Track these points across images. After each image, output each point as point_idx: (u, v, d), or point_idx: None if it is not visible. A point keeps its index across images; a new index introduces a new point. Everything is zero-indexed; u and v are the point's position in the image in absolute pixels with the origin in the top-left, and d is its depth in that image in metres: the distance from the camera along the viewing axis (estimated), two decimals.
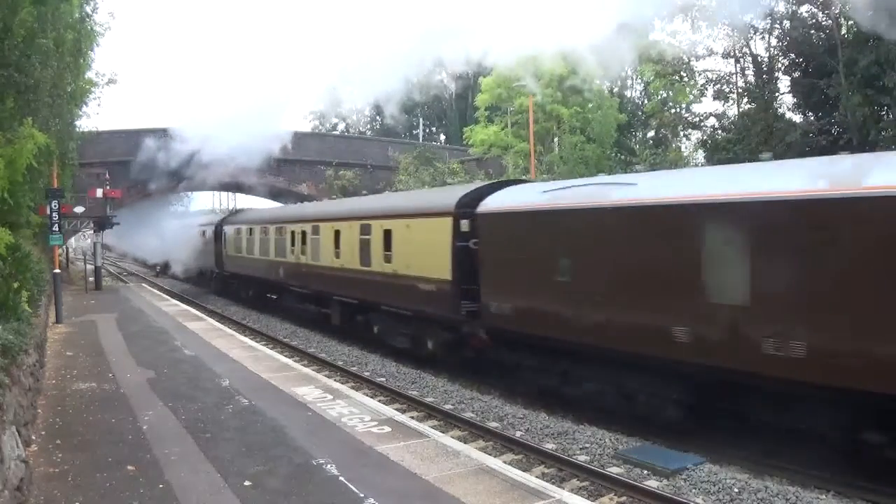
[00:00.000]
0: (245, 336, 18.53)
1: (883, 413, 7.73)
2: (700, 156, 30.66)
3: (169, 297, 29.48)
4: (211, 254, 34.69)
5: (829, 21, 23.13)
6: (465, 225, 14.10)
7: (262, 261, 26.84)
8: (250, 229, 28.63)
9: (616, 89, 48.12)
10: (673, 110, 36.11)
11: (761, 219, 8.74)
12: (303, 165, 41.14)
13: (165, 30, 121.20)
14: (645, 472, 9.24)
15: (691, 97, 35.34)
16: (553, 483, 8.23)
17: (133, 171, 34.47)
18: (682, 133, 32.64)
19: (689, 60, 27.55)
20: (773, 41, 25.68)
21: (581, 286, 11.26)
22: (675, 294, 9.76)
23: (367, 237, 17.82)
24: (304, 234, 22.36)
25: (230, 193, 56.24)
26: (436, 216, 15.03)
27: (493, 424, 11.49)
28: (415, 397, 13.35)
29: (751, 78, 26.76)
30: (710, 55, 27.13)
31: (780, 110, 25.40)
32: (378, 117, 69.50)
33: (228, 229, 32.13)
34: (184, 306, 25.11)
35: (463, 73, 58.88)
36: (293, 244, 23.23)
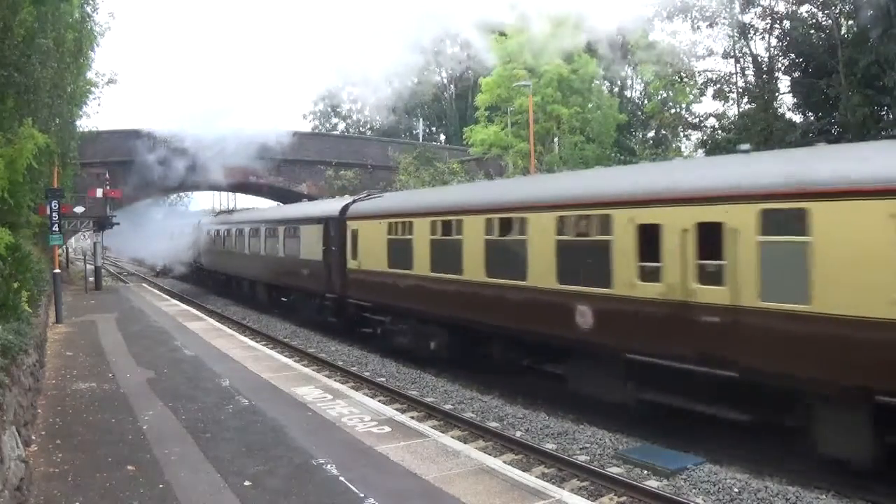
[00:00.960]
0: (245, 336, 18.53)
1: None
2: (700, 155, 30.68)
3: (169, 297, 29.48)
4: (313, 269, 21.22)
5: (829, 21, 23.14)
6: None
7: (491, 288, 13.26)
8: (449, 224, 14.77)
9: (616, 89, 48.19)
10: (673, 110, 36.10)
11: None
12: (303, 165, 41.18)
13: (164, 29, 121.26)
14: (645, 472, 9.25)
15: (691, 97, 35.33)
16: (553, 483, 8.23)
17: (133, 171, 34.46)
18: (681, 133, 32.64)
19: (689, 61, 27.57)
20: (773, 41, 25.71)
21: None
22: None
23: None
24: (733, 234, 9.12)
25: (229, 193, 56.41)
26: None
27: (493, 424, 11.49)
28: (415, 397, 13.35)
29: (751, 78, 26.77)
30: (710, 55, 27.16)
31: (780, 110, 25.42)
32: (378, 117, 69.64)
33: (365, 227, 18.26)
34: (184, 306, 25.11)
35: (463, 73, 59.07)
36: (685, 255, 9.62)
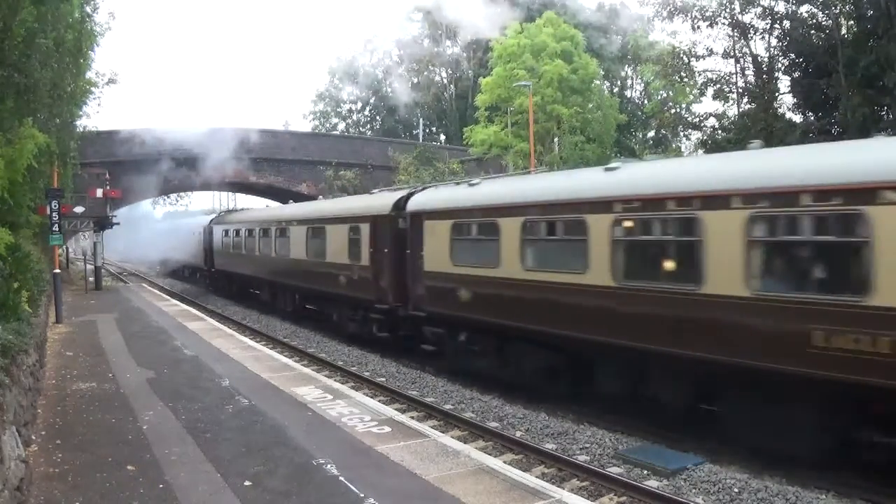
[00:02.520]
0: (245, 336, 18.53)
1: None
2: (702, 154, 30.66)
3: (169, 297, 29.48)
4: None
5: (829, 21, 23.15)
6: None
7: None
8: None
9: (616, 89, 48.24)
10: (673, 110, 36.12)
11: None
12: (303, 165, 41.21)
13: (163, 28, 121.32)
14: (645, 472, 9.24)
15: (691, 97, 35.36)
16: (553, 483, 8.22)
17: (132, 171, 34.47)
18: (681, 133, 32.66)
19: (689, 61, 27.56)
20: (773, 41, 25.72)
21: None
22: None
23: None
24: None
25: (229, 193, 56.48)
26: None
27: (493, 424, 11.48)
28: (415, 397, 13.34)
29: (751, 78, 26.77)
30: (710, 55, 27.16)
31: (780, 110, 25.43)
32: (378, 117, 69.68)
33: None
34: (184, 306, 25.11)
35: (463, 73, 59.15)
36: None
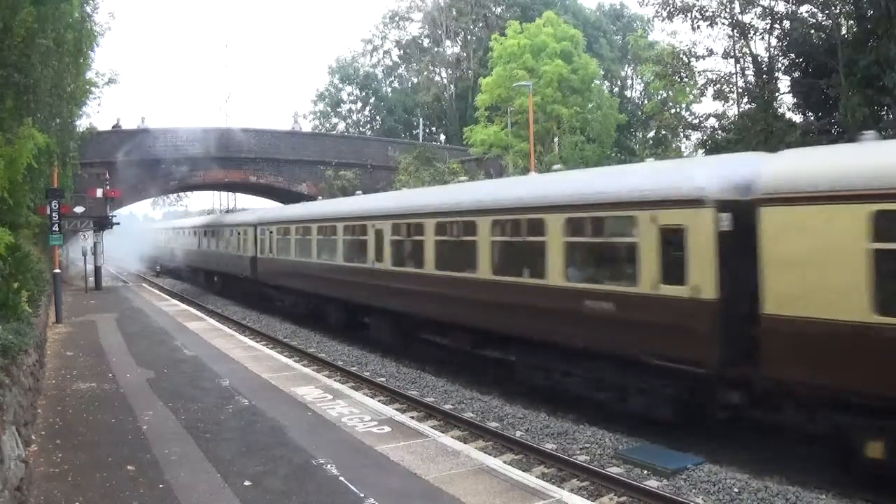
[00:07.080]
0: (245, 336, 18.53)
1: None
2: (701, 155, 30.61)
3: (169, 297, 29.47)
4: None
5: (829, 21, 23.13)
6: None
7: None
8: None
9: (616, 89, 48.24)
10: (673, 110, 36.09)
11: None
12: (303, 165, 41.22)
13: (163, 29, 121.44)
14: (645, 472, 9.24)
15: (691, 97, 35.33)
16: (553, 483, 8.22)
17: (131, 171, 34.47)
18: (681, 133, 32.60)
19: (689, 61, 27.52)
20: (773, 41, 25.68)
21: None
22: None
23: None
24: None
25: (229, 193, 56.50)
26: None
27: (493, 424, 11.48)
28: (415, 397, 13.34)
29: (751, 78, 26.74)
30: (710, 55, 27.12)
31: (780, 110, 25.38)
32: (378, 117, 69.69)
33: None
34: (184, 306, 25.10)
35: (463, 73, 59.17)
36: None
